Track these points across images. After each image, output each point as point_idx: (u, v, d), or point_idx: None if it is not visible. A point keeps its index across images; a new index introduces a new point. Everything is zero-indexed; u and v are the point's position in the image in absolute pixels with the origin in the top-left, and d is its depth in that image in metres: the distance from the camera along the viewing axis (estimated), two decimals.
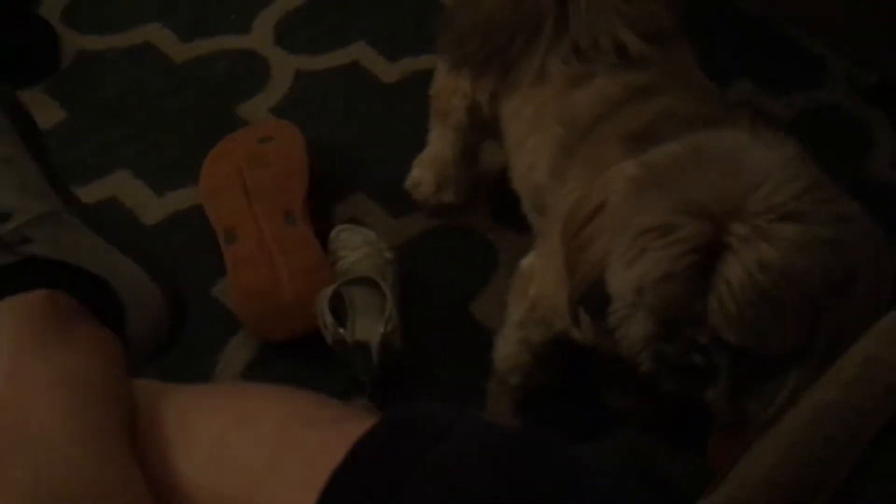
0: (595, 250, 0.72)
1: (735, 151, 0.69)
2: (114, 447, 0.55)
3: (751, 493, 0.51)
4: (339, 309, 1.03)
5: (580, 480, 0.48)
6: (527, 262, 0.95)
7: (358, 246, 1.09)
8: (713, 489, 0.57)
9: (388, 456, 0.49)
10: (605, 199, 0.72)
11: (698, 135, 0.73)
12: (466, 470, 0.48)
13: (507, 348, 1.01)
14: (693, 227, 0.65)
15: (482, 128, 1.09)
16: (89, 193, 1.16)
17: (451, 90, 1.07)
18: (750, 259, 0.64)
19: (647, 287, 0.67)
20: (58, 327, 0.64)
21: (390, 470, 0.48)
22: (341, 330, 0.99)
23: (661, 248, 0.65)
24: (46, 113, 1.23)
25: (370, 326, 1.00)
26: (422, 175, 1.18)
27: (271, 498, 0.51)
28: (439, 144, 1.15)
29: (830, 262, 0.66)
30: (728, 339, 0.67)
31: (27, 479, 0.51)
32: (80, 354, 0.62)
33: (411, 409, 0.55)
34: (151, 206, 1.16)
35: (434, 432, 0.50)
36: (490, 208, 1.20)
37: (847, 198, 0.69)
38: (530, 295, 0.93)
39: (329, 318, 0.99)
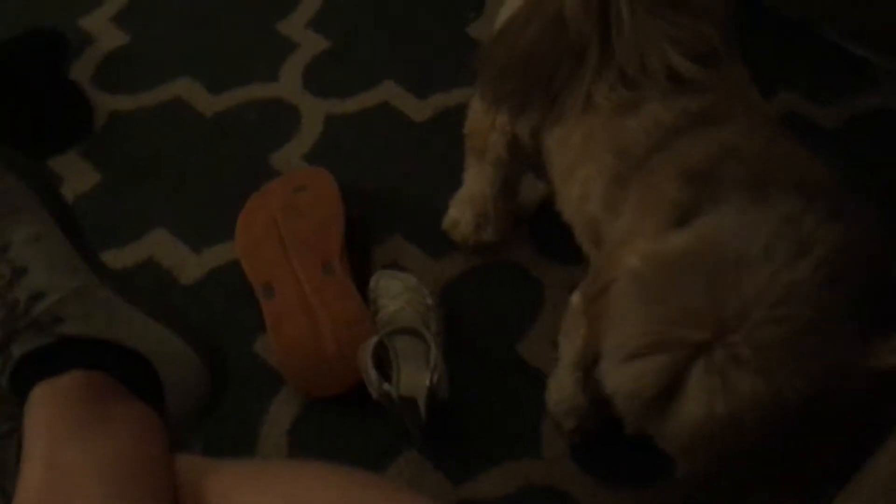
0: (597, 331, 0.73)
1: (735, 262, 0.66)
2: None
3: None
4: (383, 360, 1.00)
5: None
6: (578, 296, 0.92)
7: (399, 293, 1.07)
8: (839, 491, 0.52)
9: None
10: (614, 277, 0.72)
11: (710, 222, 0.71)
12: None
13: (562, 391, 0.97)
14: (661, 358, 0.65)
15: (522, 162, 1.06)
16: (126, 256, 1.15)
17: (488, 127, 1.04)
18: (702, 408, 0.63)
19: (617, 396, 0.68)
20: (94, 409, 0.62)
21: None
22: (386, 385, 0.96)
23: (632, 369, 0.66)
24: (81, 176, 1.23)
25: (415, 378, 0.97)
26: (460, 215, 1.15)
27: None
28: (476, 182, 1.12)
29: (787, 421, 0.63)
30: (679, 463, 0.70)
31: None
32: (118, 437, 0.61)
33: None
34: (189, 265, 1.15)
35: None
36: (532, 242, 1.17)
37: (842, 344, 0.65)
38: (583, 332, 0.89)
39: (374, 373, 0.96)
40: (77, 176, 1.23)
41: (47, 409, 0.62)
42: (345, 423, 1.02)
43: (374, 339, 0.99)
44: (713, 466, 0.68)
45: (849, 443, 0.67)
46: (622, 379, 0.67)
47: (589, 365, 0.77)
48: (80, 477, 0.56)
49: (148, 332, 0.75)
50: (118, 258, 1.15)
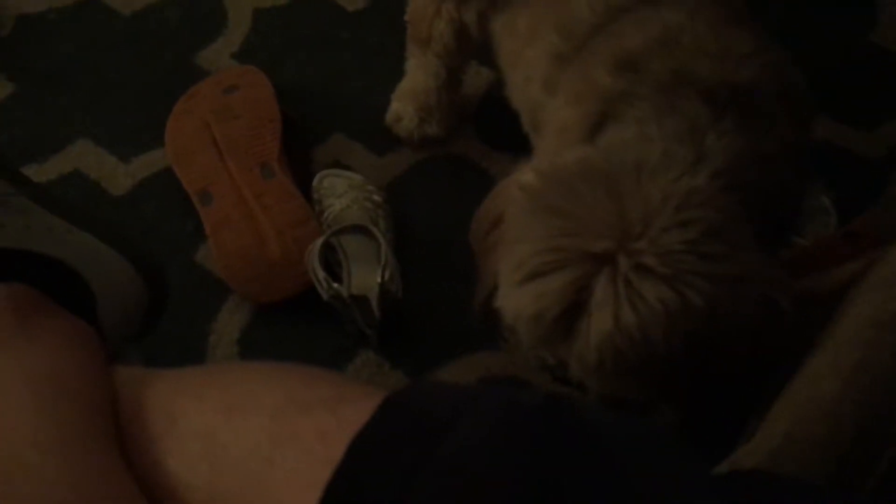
0: (492, 263, 0.70)
1: (634, 170, 0.63)
2: (90, 452, 0.49)
3: (812, 427, 0.45)
4: (331, 261, 0.96)
5: (610, 452, 0.42)
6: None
7: (344, 192, 1.02)
8: (761, 421, 0.51)
9: (392, 451, 0.43)
10: (504, 208, 0.70)
11: (608, 137, 0.69)
12: (481, 458, 0.42)
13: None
14: (564, 273, 0.62)
15: (469, 50, 1.01)
16: (49, 170, 1.08)
17: (432, 14, 0.99)
18: (609, 319, 0.61)
19: (519, 321, 0.65)
20: (19, 324, 0.58)
21: (395, 466, 0.42)
22: (336, 285, 0.92)
23: (533, 289, 0.63)
24: None
25: (366, 276, 0.94)
26: (402, 108, 1.10)
27: (270, 497, 0.45)
28: (419, 73, 1.07)
29: (693, 327, 0.61)
30: (587, 384, 0.66)
31: None
32: (46, 351, 0.56)
33: (413, 392, 0.48)
34: (118, 175, 1.09)
35: (442, 418, 0.44)
36: (479, 134, 1.12)
37: (744, 249, 0.63)
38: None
39: (322, 273, 0.93)
40: None
41: None
42: (296, 328, 0.98)
43: (320, 240, 0.95)
44: (623, 384, 0.65)
45: (749, 356, 0.65)
46: (522, 302, 0.64)
47: (478, 307, 0.74)
48: (8, 392, 0.52)
49: (73, 240, 0.70)
50: (41, 173, 1.08)
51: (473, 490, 0.41)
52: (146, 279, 0.74)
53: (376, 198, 1.04)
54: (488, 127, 1.12)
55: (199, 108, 1.09)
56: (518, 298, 0.64)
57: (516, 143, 0.93)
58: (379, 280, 0.91)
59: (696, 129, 0.68)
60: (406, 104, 1.09)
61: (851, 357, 0.48)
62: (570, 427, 0.43)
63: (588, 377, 0.65)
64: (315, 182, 1.04)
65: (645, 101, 0.71)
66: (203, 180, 1.04)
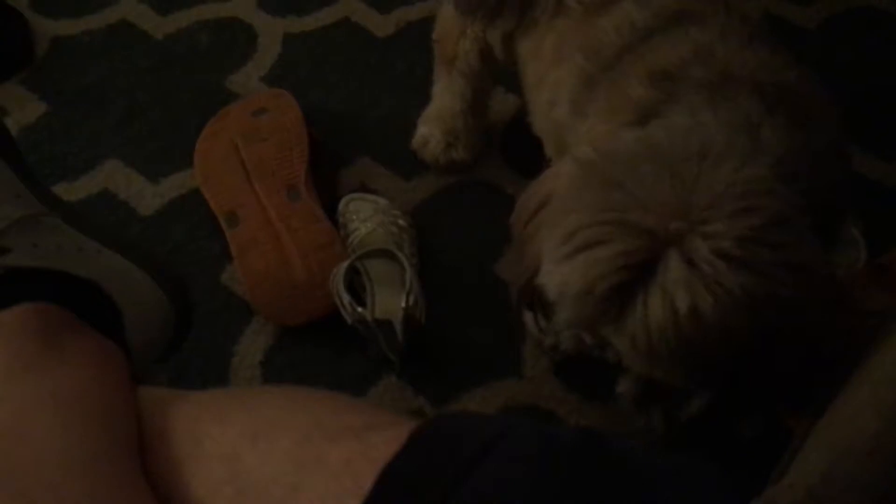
0: (535, 244, 0.66)
1: (697, 155, 0.61)
2: (114, 472, 0.49)
3: (850, 467, 0.44)
4: (356, 285, 0.96)
5: (645, 486, 0.41)
6: None
7: (369, 216, 1.02)
8: (794, 456, 0.50)
9: (422, 482, 0.43)
10: (551, 189, 0.67)
11: (665, 121, 0.67)
12: (518, 490, 0.41)
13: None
14: (622, 245, 0.58)
15: (493, 72, 1.01)
16: (80, 189, 1.10)
17: (458, 34, 0.99)
18: (681, 301, 0.57)
19: (564, 297, 0.61)
20: (47, 343, 0.58)
21: (425, 498, 0.42)
22: (360, 309, 0.92)
23: (583, 261, 0.59)
24: (25, 107, 1.16)
25: (391, 301, 0.94)
26: (429, 132, 1.10)
27: None
28: (446, 96, 1.07)
29: (773, 318, 0.59)
30: (631, 368, 0.63)
31: None
32: (73, 371, 0.56)
33: (443, 423, 0.47)
34: (146, 196, 1.09)
35: (473, 450, 0.43)
36: (504, 160, 1.12)
37: (807, 239, 0.61)
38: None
39: (346, 297, 0.93)
40: (21, 107, 1.16)
41: None
42: (320, 351, 0.98)
43: (345, 263, 0.95)
44: (672, 369, 0.62)
45: (809, 354, 0.64)
46: (571, 275, 0.59)
47: (517, 294, 0.71)
48: (36, 412, 0.52)
49: (102, 261, 0.70)
50: (71, 192, 1.09)
51: None
52: (172, 300, 0.74)
53: (402, 222, 1.04)
54: (515, 153, 1.12)
55: (227, 131, 1.10)
56: (565, 271, 0.60)
57: (542, 170, 0.93)
58: (403, 305, 0.91)
59: (751, 121, 0.66)
60: (433, 128, 1.10)
61: (893, 395, 0.47)
62: (607, 460, 0.42)
63: (635, 359, 0.61)
64: (341, 205, 1.05)
65: (695, 95, 0.69)
66: (230, 202, 1.05)
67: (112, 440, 0.52)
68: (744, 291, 0.57)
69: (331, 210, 1.05)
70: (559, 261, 0.61)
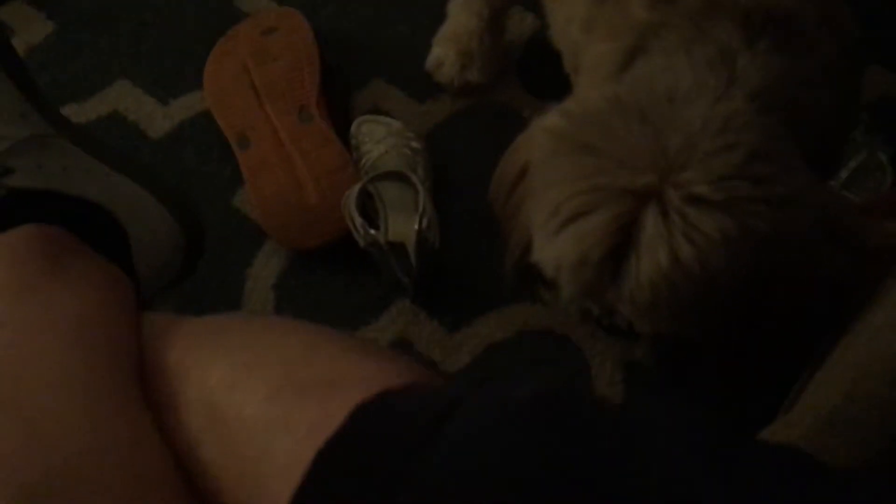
0: (522, 218, 0.67)
1: (666, 99, 0.60)
2: (113, 398, 0.49)
3: (875, 386, 0.43)
4: (369, 208, 0.95)
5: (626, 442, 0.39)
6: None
7: (382, 138, 1.00)
8: (805, 386, 0.49)
9: (370, 458, 0.40)
10: (528, 159, 0.66)
11: (634, 72, 0.65)
12: (468, 463, 0.39)
13: None
14: (606, 212, 0.58)
15: None
16: (89, 110, 1.08)
17: None
18: (662, 255, 0.57)
19: (561, 271, 0.62)
20: (51, 266, 0.57)
21: (374, 475, 0.40)
22: (373, 231, 0.91)
23: (573, 233, 0.59)
24: (32, 27, 1.14)
25: (404, 224, 0.93)
26: (444, 53, 1.07)
27: (266, 493, 0.44)
28: (462, 16, 1.04)
29: (755, 256, 0.58)
30: (639, 327, 0.63)
31: (17, 448, 0.45)
32: (77, 295, 0.55)
33: (394, 395, 0.44)
34: (157, 118, 1.08)
35: (426, 421, 0.40)
36: (521, 82, 1.09)
37: (793, 170, 0.59)
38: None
39: (359, 219, 0.91)
40: (27, 26, 1.14)
41: None
42: (333, 275, 0.98)
43: (358, 186, 0.94)
44: (678, 322, 0.62)
45: (811, 290, 0.62)
46: (563, 249, 0.60)
47: (511, 271, 0.71)
48: (38, 335, 0.52)
49: (111, 184, 0.69)
50: (80, 113, 1.08)
51: (474, 477, 0.38)
52: (183, 225, 0.73)
53: (415, 145, 1.02)
54: (531, 74, 1.09)
55: (237, 51, 1.07)
56: (558, 246, 0.61)
57: (559, 91, 0.90)
58: (416, 228, 0.90)
59: (726, 53, 0.64)
60: (448, 49, 1.07)
61: None
62: (565, 423, 0.40)
63: (640, 319, 0.62)
64: (353, 128, 1.03)
65: (672, 31, 0.67)
66: (241, 124, 1.03)
67: (115, 367, 0.51)
68: (722, 234, 0.57)
69: (343, 132, 1.03)
70: (549, 237, 0.62)
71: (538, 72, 1.08)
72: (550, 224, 0.61)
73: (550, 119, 0.65)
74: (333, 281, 0.98)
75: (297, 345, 0.51)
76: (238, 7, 1.15)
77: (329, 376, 0.47)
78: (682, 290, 0.58)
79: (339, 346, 0.50)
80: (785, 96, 0.64)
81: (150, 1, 1.16)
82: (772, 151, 0.59)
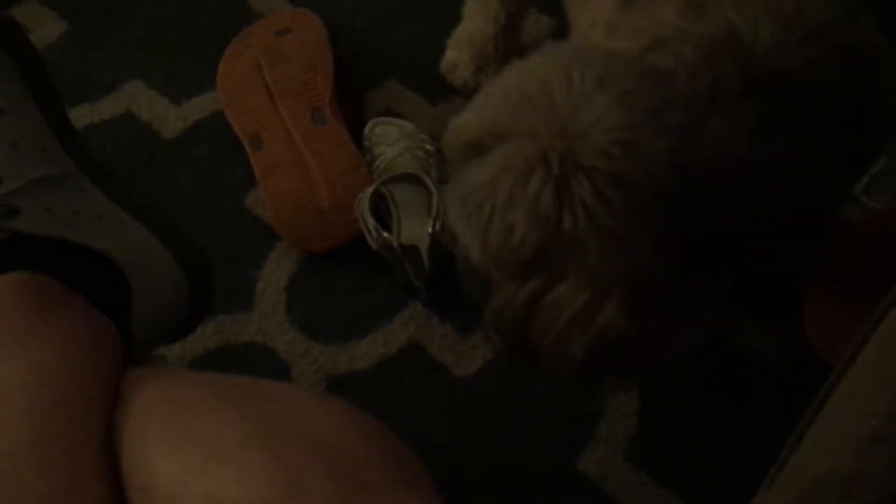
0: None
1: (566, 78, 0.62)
2: (82, 465, 0.48)
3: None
4: (382, 210, 0.94)
5: None
6: None
7: (396, 140, 1.00)
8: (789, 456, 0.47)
9: None
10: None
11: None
12: None
13: None
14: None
15: None
16: (102, 110, 1.08)
17: None
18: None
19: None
20: (36, 316, 0.55)
21: None
22: (386, 234, 0.90)
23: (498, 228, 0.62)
24: (45, 26, 1.13)
25: (417, 227, 0.92)
26: (458, 56, 1.07)
27: None
28: (478, 19, 1.03)
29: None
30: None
31: None
32: (56, 348, 0.54)
33: None
34: (170, 118, 1.07)
35: None
36: None
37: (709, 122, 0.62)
38: None
39: (372, 222, 0.91)
40: (41, 25, 1.14)
41: None
42: (345, 277, 0.97)
43: (371, 188, 0.93)
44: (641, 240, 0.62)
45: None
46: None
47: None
48: (13, 392, 0.51)
49: (122, 232, 0.65)
50: (93, 113, 1.07)
51: None
52: (193, 282, 0.70)
53: (429, 147, 1.01)
54: None
55: (251, 51, 1.07)
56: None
57: None
58: (430, 230, 0.89)
59: (712, 99, 0.64)
60: (462, 52, 1.06)
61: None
62: None
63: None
64: (367, 129, 1.02)
65: (688, 44, 0.67)
66: (254, 124, 1.03)
67: (81, 424, 0.50)
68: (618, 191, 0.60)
69: (356, 134, 1.02)
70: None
71: None
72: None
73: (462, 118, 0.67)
74: (345, 283, 0.97)
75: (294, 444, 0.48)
76: (252, 7, 1.14)
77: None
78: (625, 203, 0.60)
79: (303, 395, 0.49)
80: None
81: (164, 0, 1.15)
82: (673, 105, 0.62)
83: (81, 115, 1.06)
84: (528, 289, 0.63)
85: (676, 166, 0.61)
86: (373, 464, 0.47)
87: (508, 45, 1.06)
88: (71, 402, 0.51)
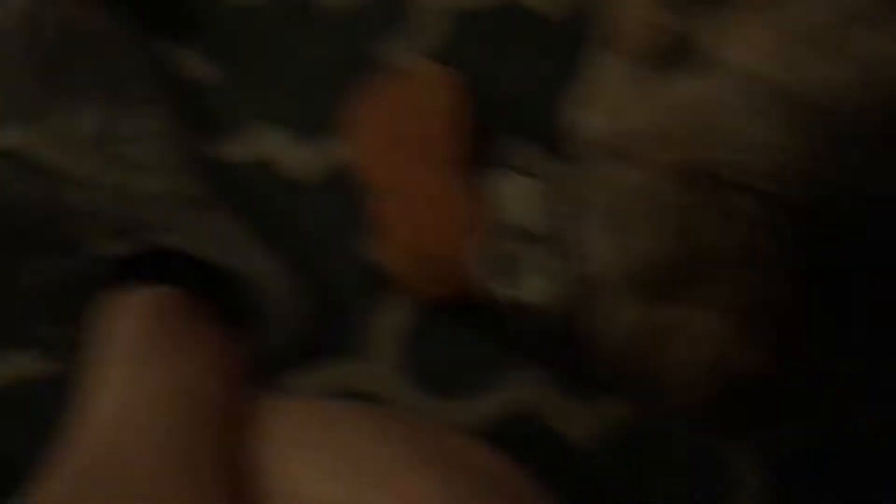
0: None
1: None
2: (207, 474, 0.46)
3: None
4: (506, 266, 0.92)
5: None
6: None
7: (525, 196, 0.98)
8: None
9: None
10: None
11: None
12: None
13: None
14: None
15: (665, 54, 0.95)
16: (235, 151, 1.10)
17: (630, 12, 0.93)
18: None
19: None
20: (175, 331, 0.56)
21: None
22: (510, 291, 0.88)
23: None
24: (187, 63, 1.18)
25: (542, 285, 0.89)
26: (589, 115, 1.05)
27: None
28: (613, 76, 1.01)
29: None
30: None
31: None
32: (196, 365, 0.54)
33: None
34: (301, 162, 1.09)
35: None
36: None
37: None
38: None
39: (496, 278, 0.88)
40: (183, 62, 1.18)
41: (129, 324, 0.56)
42: (461, 330, 0.95)
43: (497, 243, 0.91)
44: None
45: None
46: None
47: None
48: (152, 405, 0.51)
49: (251, 254, 0.68)
50: (226, 155, 1.10)
51: None
52: (315, 308, 0.71)
53: (557, 205, 0.99)
54: None
55: (383, 102, 1.08)
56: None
57: None
58: (555, 290, 0.86)
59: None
60: (593, 109, 1.04)
61: None
62: None
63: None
64: (497, 185, 1.01)
65: None
66: (381, 173, 1.03)
67: (209, 446, 0.50)
68: None
69: (485, 187, 1.01)
70: None
71: None
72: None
73: None
74: (461, 337, 0.95)
75: (408, 436, 0.47)
76: (387, 58, 1.16)
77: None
78: None
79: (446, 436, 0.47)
80: None
81: (299, 40, 1.18)
82: None
83: (213, 153, 1.09)
84: (665, 313, 0.58)
85: (855, 209, 0.55)
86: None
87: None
88: (210, 420, 0.50)
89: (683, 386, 0.58)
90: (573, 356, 0.91)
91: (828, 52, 0.60)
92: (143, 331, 0.55)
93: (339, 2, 1.22)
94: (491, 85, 1.14)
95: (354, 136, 1.07)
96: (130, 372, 0.52)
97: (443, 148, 1.03)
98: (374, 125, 1.07)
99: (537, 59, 1.14)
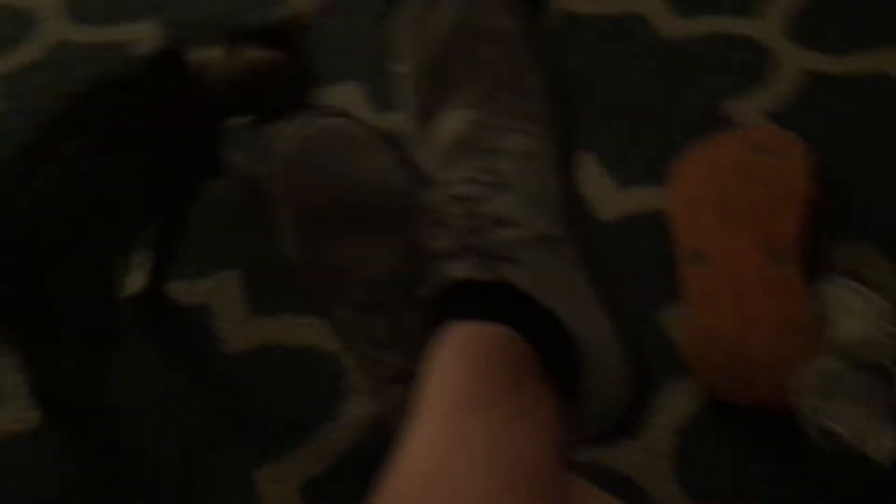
0: None
1: None
2: None
3: None
4: (827, 388, 0.80)
5: None
6: None
7: (858, 312, 0.85)
8: None
9: None
10: None
11: None
12: None
13: None
14: None
15: None
16: None
17: None
18: None
19: None
20: (510, 380, 0.49)
21: None
22: (829, 422, 0.76)
23: None
24: None
25: (869, 427, 0.76)
26: None
27: None
28: None
29: None
30: None
31: None
32: (524, 421, 0.48)
33: None
34: (610, 200, 1.01)
35: None
36: None
37: None
38: None
39: (817, 404, 0.77)
40: None
41: (464, 361, 0.50)
42: (749, 441, 0.83)
43: (823, 361, 0.79)
44: None
45: None
46: None
47: None
48: (476, 457, 0.45)
49: (588, 315, 0.60)
50: None
51: None
52: (636, 377, 0.62)
53: (891, 329, 0.85)
54: None
55: (718, 161, 0.98)
56: None
57: None
58: (891, 444, 0.73)
59: None
60: None
61: None
62: None
63: None
64: (822, 288, 0.88)
65: None
66: (697, 239, 0.93)
67: None
68: None
69: (811, 288, 0.88)
70: None
71: None
72: None
73: None
74: (747, 448, 0.83)
75: None
76: (727, 113, 1.05)
77: None
78: None
79: None
80: None
81: (637, 81, 1.10)
82: None
83: None
84: None
85: None
86: None
87: None
88: (526, 479, 0.44)
89: None
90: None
91: None
92: (476, 371, 0.50)
93: (698, 49, 1.12)
94: (839, 166, 1.00)
95: (673, 187, 0.98)
96: (456, 424, 0.47)
97: (771, 225, 0.91)
98: (698, 179, 0.97)
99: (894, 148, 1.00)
